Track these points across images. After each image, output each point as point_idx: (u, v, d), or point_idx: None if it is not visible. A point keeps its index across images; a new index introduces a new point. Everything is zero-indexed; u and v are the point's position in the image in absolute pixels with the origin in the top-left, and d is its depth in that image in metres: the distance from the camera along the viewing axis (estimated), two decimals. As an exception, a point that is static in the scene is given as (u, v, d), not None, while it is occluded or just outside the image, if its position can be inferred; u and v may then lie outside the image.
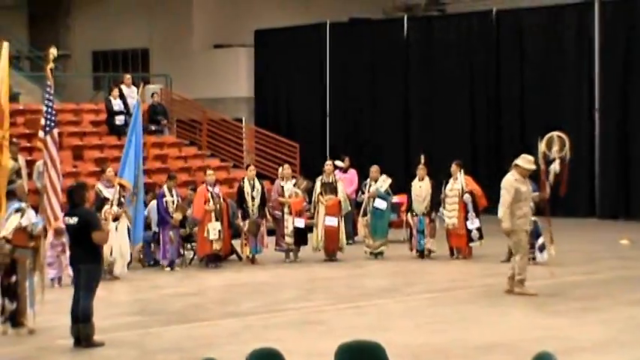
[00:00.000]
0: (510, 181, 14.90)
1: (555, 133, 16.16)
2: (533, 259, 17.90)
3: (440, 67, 28.80)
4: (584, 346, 11.44)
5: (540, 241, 18.05)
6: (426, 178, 19.31)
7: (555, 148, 15.87)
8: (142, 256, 18.66)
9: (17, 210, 12.62)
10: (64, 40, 33.97)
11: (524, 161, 15.03)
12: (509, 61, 27.72)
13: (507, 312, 13.80)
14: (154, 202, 18.87)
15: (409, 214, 19.37)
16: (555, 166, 15.88)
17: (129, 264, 17.80)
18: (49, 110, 13.72)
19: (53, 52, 13.73)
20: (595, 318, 13.22)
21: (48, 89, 13.72)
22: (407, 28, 29.55)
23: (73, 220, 11.97)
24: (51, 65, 13.81)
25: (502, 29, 27.95)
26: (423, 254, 19.21)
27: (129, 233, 17.80)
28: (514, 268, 15.02)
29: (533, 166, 15.11)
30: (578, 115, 26.47)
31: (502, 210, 14.86)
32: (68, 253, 13.35)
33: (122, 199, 17.42)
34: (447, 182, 19.13)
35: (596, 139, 26.32)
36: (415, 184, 19.37)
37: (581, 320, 13.10)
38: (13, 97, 23.37)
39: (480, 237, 18.91)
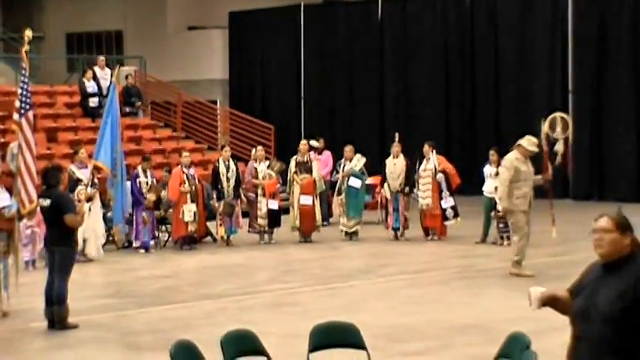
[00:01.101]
0: (511, 160, 14.89)
1: (558, 114, 16.07)
2: (507, 238, 18.01)
3: (414, 48, 28.81)
4: (557, 326, 11.43)
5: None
6: (401, 156, 19.33)
7: (558, 129, 15.74)
8: (122, 236, 18.60)
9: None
10: (38, 22, 33.77)
11: (528, 142, 14.97)
12: (483, 44, 27.78)
13: (481, 293, 13.87)
14: (128, 184, 18.81)
15: (383, 190, 19.37)
16: (560, 147, 15.75)
17: (104, 245, 17.77)
18: (24, 93, 13.62)
19: (29, 34, 13.62)
20: (568, 298, 13.29)
21: (23, 72, 13.61)
22: (381, 9, 29.54)
23: (46, 202, 11.96)
24: (26, 48, 13.70)
25: (476, 12, 27.98)
26: (397, 234, 19.25)
27: (104, 215, 17.81)
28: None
29: (535, 149, 15.03)
30: (551, 97, 26.54)
31: (500, 189, 14.91)
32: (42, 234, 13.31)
33: (95, 181, 17.39)
34: (420, 163, 19.17)
35: (570, 122, 26.39)
36: (389, 162, 19.39)
37: (554, 301, 13.17)
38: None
39: (455, 215, 18.96)
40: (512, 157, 14.95)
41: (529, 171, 14.93)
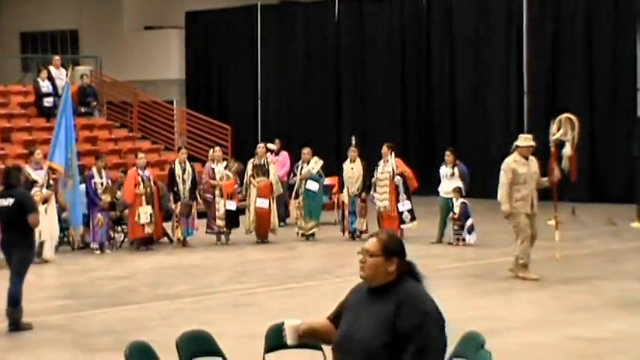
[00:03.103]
0: (508, 162, 14.51)
1: (564, 115, 15.55)
2: (463, 240, 18.13)
3: (371, 49, 28.90)
4: (512, 325, 11.61)
5: (469, 222, 18.24)
6: (358, 160, 19.38)
7: (562, 130, 15.25)
8: (82, 239, 18.51)
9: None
10: (-8, 21, 33.51)
11: (522, 140, 14.61)
12: (439, 44, 27.92)
13: (437, 293, 13.79)
14: (83, 185, 18.72)
15: (342, 194, 19.44)
16: (567, 150, 15.27)
17: (58, 246, 17.68)
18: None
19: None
20: (523, 298, 13.42)
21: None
22: (338, 10, 29.60)
23: (8, 201, 11.79)
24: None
25: (433, 11, 28.11)
26: (354, 235, 19.31)
27: (59, 216, 17.71)
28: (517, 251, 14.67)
29: (530, 142, 14.55)
30: (507, 98, 26.74)
31: (500, 192, 14.47)
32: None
33: (51, 182, 17.30)
34: (378, 165, 19.20)
35: (525, 120, 26.61)
36: (347, 166, 19.44)
37: (509, 300, 13.29)
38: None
39: (412, 218, 19.02)
40: (510, 159, 14.54)
41: (529, 173, 14.47)
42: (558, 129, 15.36)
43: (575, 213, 21.69)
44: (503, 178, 14.44)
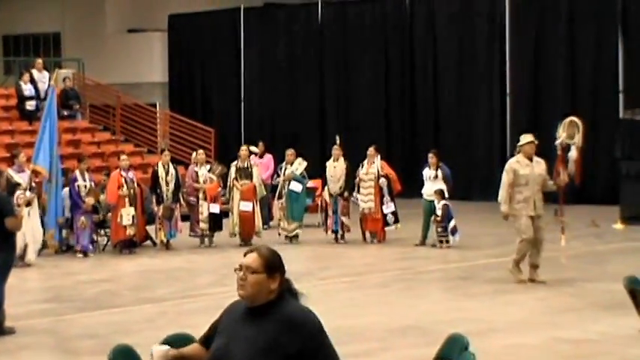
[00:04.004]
0: (509, 163, 14.32)
1: (569, 118, 15.09)
2: (446, 242, 18.13)
3: (355, 51, 28.93)
4: (496, 327, 11.62)
5: (452, 224, 18.24)
6: (341, 159, 19.35)
7: (565, 133, 14.81)
8: (55, 242, 18.42)
9: None
10: (-26, 24, 33.35)
11: (523, 139, 14.34)
12: (423, 47, 27.97)
13: (421, 295, 13.95)
14: (67, 188, 18.66)
15: (324, 193, 19.42)
16: (573, 153, 14.76)
17: (40, 250, 17.60)
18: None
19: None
20: (507, 300, 13.43)
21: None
22: (321, 12, 29.61)
23: (-15, 205, 11.74)
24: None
25: (415, 14, 28.17)
26: (337, 236, 19.28)
27: (41, 219, 17.65)
28: (530, 256, 14.40)
29: (530, 139, 14.25)
30: (490, 99, 26.81)
31: (500, 193, 14.29)
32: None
33: (34, 185, 17.23)
34: (362, 165, 19.20)
35: (508, 123, 26.69)
36: (330, 165, 19.43)
37: (493, 302, 13.30)
38: None
39: (396, 221, 19.03)
40: (512, 160, 14.35)
41: (532, 174, 14.13)
42: (568, 134, 14.87)
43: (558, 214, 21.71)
44: (504, 178, 14.24)
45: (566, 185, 14.94)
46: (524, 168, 14.15)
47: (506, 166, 14.39)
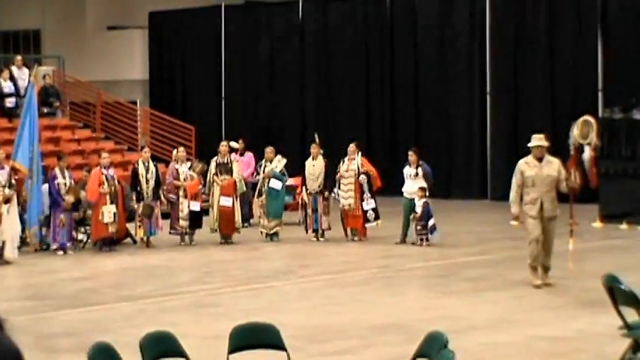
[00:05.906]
0: (518, 164, 14.07)
1: (583, 118, 14.64)
2: (426, 240, 18.16)
3: (335, 49, 28.94)
4: (475, 325, 11.66)
5: (431, 222, 18.25)
6: (320, 157, 19.37)
7: (577, 131, 14.39)
8: (36, 240, 18.36)
9: None
10: (-47, 20, 33.18)
11: (532, 140, 14.00)
12: (403, 44, 28.00)
13: (401, 293, 13.98)
14: (46, 185, 18.61)
15: (304, 191, 19.43)
16: (587, 154, 14.34)
17: (20, 247, 17.54)
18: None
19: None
20: (486, 298, 13.48)
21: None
22: (302, 10, 29.61)
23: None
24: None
25: (397, 13, 28.20)
26: (317, 234, 19.30)
27: (20, 217, 17.59)
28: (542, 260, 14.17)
29: (538, 142, 13.82)
30: (470, 99, 26.88)
31: (511, 194, 14.07)
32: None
33: (13, 182, 17.18)
34: (342, 162, 19.20)
35: (488, 123, 26.76)
36: (309, 163, 19.44)
37: (472, 300, 13.34)
38: None
39: (376, 217, 19.05)
40: (521, 160, 14.09)
41: (539, 175, 13.79)
42: (581, 133, 14.41)
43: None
44: (513, 179, 14.06)
45: (580, 187, 14.40)
46: (531, 169, 13.89)
47: (516, 167, 14.16)
